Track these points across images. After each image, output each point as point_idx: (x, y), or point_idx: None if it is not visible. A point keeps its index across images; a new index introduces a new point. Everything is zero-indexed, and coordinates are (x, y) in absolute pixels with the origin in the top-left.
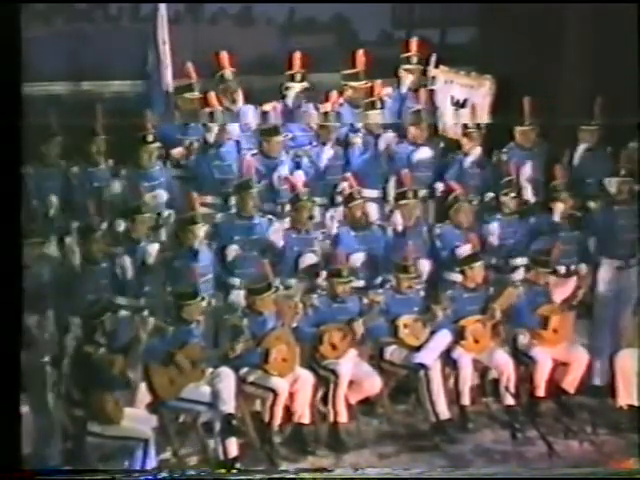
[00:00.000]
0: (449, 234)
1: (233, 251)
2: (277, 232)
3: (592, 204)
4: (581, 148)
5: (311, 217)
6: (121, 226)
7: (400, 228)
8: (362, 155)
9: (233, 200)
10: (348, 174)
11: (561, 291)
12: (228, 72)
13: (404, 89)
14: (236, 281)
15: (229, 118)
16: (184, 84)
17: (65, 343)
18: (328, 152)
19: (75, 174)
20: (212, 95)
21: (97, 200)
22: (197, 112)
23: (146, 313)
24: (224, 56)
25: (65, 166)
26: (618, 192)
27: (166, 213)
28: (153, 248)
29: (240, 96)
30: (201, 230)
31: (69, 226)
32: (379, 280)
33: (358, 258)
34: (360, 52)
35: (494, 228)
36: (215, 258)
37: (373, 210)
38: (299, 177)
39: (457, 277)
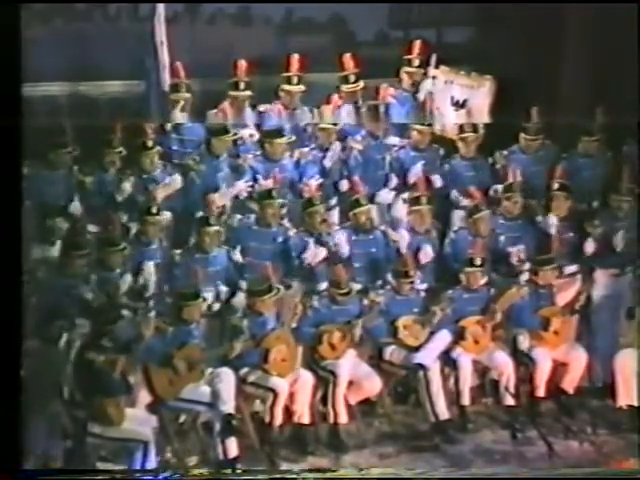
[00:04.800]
0: (463, 241)
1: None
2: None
3: (590, 227)
4: (581, 157)
5: (323, 220)
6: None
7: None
8: (363, 160)
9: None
10: (355, 178)
11: (564, 294)
12: (242, 83)
13: (405, 91)
14: (244, 285)
15: (233, 125)
16: (173, 84)
17: (69, 346)
18: (329, 155)
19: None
20: (226, 105)
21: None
22: (187, 112)
23: (152, 314)
24: (241, 65)
25: (70, 168)
26: (619, 208)
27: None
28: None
29: (247, 106)
30: (215, 232)
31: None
32: (379, 282)
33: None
34: (347, 55)
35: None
36: (229, 263)
37: (375, 213)
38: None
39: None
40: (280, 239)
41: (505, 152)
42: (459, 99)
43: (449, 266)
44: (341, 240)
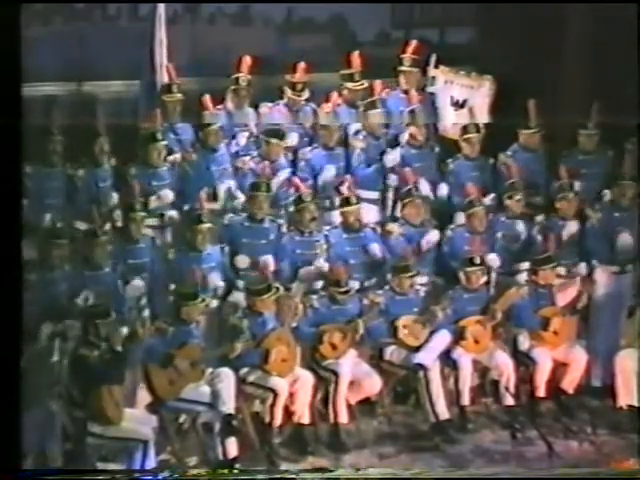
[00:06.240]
0: (460, 238)
1: (243, 260)
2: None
3: (590, 211)
4: (580, 152)
5: (313, 219)
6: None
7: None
8: (363, 159)
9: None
10: (347, 177)
11: (564, 295)
12: (243, 78)
13: (400, 90)
14: (241, 283)
15: (232, 121)
16: (165, 85)
17: (63, 344)
18: (329, 154)
19: (77, 175)
20: (207, 98)
21: (101, 202)
22: (176, 113)
23: (146, 313)
24: (245, 61)
25: (67, 167)
26: (619, 198)
27: (170, 213)
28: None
29: (247, 102)
30: (207, 230)
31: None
32: (377, 281)
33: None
34: (356, 53)
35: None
36: (224, 261)
37: (372, 212)
38: (303, 178)
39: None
40: (272, 236)
41: (509, 152)
42: (459, 99)
43: (447, 264)
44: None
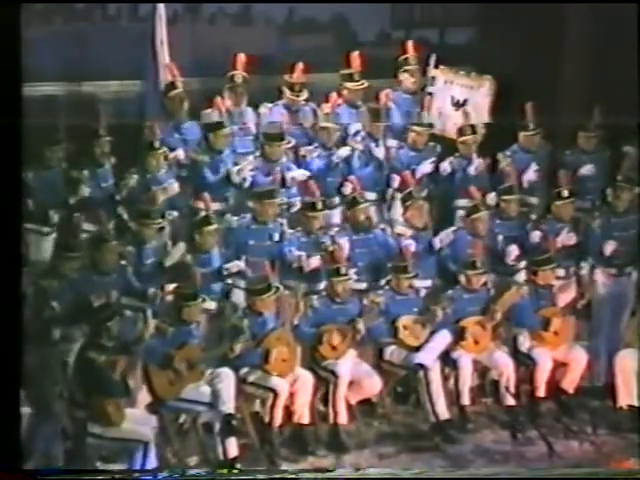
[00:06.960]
0: (461, 241)
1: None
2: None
3: (589, 213)
4: (579, 153)
5: (321, 227)
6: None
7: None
8: (362, 159)
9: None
10: (352, 177)
11: (565, 295)
12: (239, 75)
13: (404, 92)
14: (242, 284)
15: (230, 119)
16: (168, 83)
17: (69, 346)
18: (329, 154)
19: (79, 176)
20: (219, 99)
21: (105, 203)
22: (182, 111)
23: (149, 313)
24: (240, 58)
25: (67, 167)
26: (617, 200)
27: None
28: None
29: (244, 100)
30: (215, 231)
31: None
32: (381, 282)
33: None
34: (355, 53)
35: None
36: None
37: (373, 213)
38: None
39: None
40: (277, 236)
41: (508, 152)
42: (459, 99)
43: (447, 266)
44: (342, 243)
